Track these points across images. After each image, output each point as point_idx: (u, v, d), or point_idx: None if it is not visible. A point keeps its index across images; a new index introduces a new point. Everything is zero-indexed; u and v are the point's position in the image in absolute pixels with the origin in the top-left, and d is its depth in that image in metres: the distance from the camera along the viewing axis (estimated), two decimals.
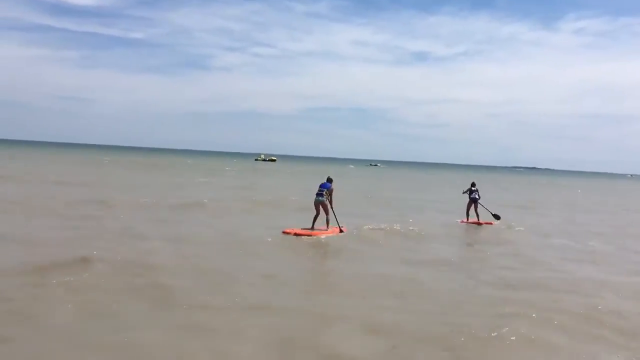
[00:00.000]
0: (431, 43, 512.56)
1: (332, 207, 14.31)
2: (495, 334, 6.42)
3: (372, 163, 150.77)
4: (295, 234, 13.46)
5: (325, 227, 14.09)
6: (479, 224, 18.54)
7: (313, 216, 14.17)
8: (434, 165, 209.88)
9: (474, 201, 19.03)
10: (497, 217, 19.59)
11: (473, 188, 19.32)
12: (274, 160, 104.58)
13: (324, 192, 14.26)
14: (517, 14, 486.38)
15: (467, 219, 18.96)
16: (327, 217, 14.15)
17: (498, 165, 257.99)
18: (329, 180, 14.75)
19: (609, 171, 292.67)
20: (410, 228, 15.92)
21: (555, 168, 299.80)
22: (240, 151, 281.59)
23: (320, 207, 14.14)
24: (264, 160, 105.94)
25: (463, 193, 19.91)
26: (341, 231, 14.20)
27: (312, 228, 14.01)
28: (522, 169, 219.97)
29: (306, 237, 13.26)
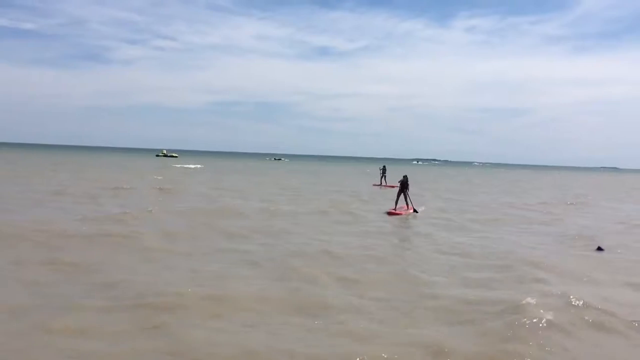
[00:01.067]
0: (333, 38, 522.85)
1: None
2: None
3: (277, 157, 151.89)
4: None
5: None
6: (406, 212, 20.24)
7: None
8: (343, 159, 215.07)
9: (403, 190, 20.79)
10: (415, 210, 20.73)
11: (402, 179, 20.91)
12: (176, 157, 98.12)
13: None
14: (413, 10, 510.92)
15: (396, 208, 20.42)
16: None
17: (403, 157, 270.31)
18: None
19: (501, 162, 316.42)
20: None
21: (452, 159, 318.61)
22: (143, 147, 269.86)
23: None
24: (165, 156, 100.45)
25: (398, 182, 21.35)
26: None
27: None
28: (423, 162, 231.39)
29: None
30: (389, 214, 19.84)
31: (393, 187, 35.36)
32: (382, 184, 38.00)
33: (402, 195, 21.01)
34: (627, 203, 31.16)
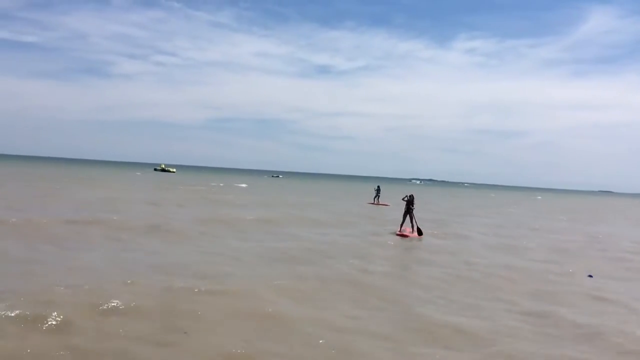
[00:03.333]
0: (332, 56, 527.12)
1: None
2: None
3: (274, 174, 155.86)
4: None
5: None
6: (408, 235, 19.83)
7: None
8: (339, 177, 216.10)
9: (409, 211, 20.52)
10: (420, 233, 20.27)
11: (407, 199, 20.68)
12: (173, 172, 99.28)
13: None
14: (413, 31, 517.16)
15: (400, 229, 20.27)
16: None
17: (399, 177, 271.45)
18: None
19: (498, 183, 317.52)
20: None
21: (450, 180, 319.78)
22: (140, 161, 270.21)
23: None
24: (163, 170, 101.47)
25: (402, 199, 21.19)
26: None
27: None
28: (427, 181, 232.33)
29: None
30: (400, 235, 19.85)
31: (386, 205, 36.98)
32: (375, 202, 39.62)
33: (407, 216, 20.72)
34: None
